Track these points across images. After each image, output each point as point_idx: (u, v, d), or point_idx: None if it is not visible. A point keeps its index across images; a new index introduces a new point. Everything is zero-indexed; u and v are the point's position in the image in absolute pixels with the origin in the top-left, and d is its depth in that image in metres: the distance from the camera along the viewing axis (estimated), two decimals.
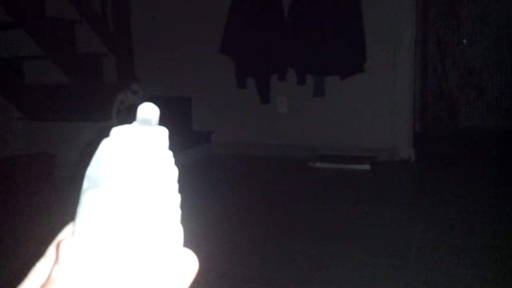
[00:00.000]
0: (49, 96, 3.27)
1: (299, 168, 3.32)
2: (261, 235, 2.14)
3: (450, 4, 4.84)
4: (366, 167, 3.23)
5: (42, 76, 3.38)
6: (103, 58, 3.76)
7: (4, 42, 3.29)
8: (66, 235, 0.26)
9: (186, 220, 0.28)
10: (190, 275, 0.25)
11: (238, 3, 3.47)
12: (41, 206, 2.57)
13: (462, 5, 4.83)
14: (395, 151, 3.45)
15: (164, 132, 0.26)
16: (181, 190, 0.26)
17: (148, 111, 0.25)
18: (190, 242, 0.27)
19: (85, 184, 0.25)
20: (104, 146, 0.25)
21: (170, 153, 0.26)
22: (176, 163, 0.26)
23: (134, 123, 0.25)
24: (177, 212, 0.25)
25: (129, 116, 2.87)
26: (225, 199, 2.68)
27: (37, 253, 0.27)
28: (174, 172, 0.26)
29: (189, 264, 0.25)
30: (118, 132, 0.25)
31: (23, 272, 0.27)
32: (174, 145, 0.27)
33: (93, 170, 0.25)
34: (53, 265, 0.25)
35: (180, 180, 0.26)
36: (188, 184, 0.79)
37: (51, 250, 0.26)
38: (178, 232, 0.25)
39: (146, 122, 0.25)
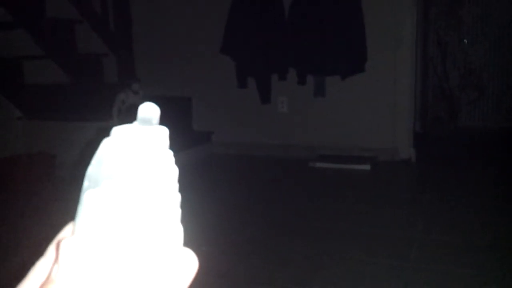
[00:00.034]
0: (49, 96, 3.27)
1: (299, 168, 3.32)
2: (261, 235, 2.14)
3: (450, 4, 4.83)
4: (367, 167, 3.22)
5: (42, 76, 3.38)
6: (104, 58, 3.76)
7: (4, 42, 3.29)
8: (66, 234, 0.26)
9: (186, 220, 0.28)
10: (190, 275, 0.25)
11: (238, 3, 3.47)
12: (41, 206, 2.56)
13: (463, 5, 4.82)
14: (395, 151, 3.44)
15: (164, 131, 0.26)
16: (181, 190, 0.26)
17: (149, 110, 0.25)
18: (190, 242, 0.27)
19: (86, 183, 0.25)
20: (105, 145, 0.25)
21: (171, 153, 0.26)
22: (176, 163, 0.26)
23: (135, 123, 0.25)
24: (177, 212, 0.25)
25: (129, 116, 2.86)
26: (225, 199, 2.68)
27: (37, 253, 0.27)
28: (175, 171, 0.26)
29: (189, 264, 0.25)
30: (118, 132, 0.25)
31: (23, 271, 0.27)
32: (174, 145, 0.27)
33: (93, 169, 0.25)
34: (53, 264, 0.25)
35: (180, 180, 0.26)
36: (188, 184, 0.79)
37: (51, 250, 0.26)
38: (178, 231, 0.25)
39: (147, 121, 0.25)
